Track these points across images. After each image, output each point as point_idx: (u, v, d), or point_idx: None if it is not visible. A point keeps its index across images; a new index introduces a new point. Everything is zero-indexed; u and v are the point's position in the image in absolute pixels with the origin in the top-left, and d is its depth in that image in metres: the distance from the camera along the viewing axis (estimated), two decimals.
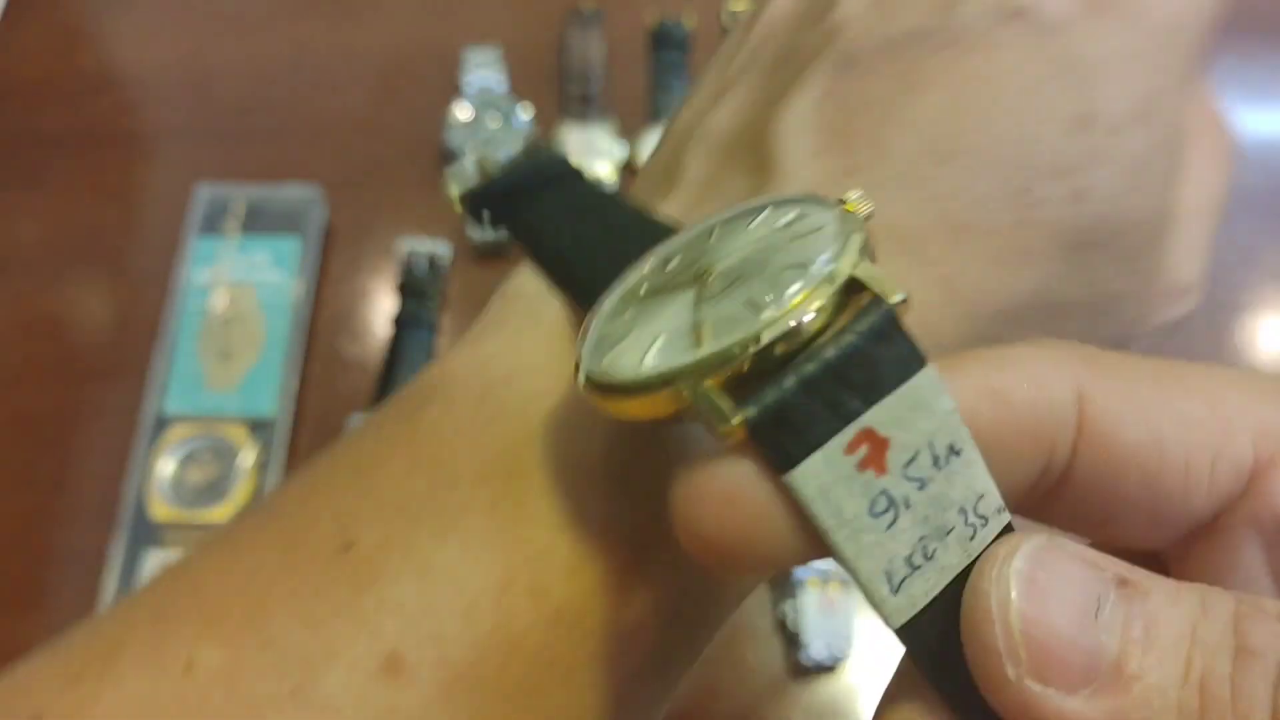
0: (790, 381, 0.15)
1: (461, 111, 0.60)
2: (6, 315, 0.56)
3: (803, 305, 0.15)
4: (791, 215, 0.18)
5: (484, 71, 0.61)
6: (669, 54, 0.63)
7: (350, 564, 0.19)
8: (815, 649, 0.47)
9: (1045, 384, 0.16)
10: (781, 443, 0.15)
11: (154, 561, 0.47)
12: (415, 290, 0.55)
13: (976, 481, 0.15)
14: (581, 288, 0.20)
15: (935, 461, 0.15)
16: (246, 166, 0.59)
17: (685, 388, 0.15)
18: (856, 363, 0.15)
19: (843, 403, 0.15)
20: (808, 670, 0.48)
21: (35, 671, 0.19)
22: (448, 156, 0.59)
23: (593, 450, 0.20)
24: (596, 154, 0.59)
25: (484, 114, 0.60)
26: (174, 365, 0.52)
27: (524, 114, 0.60)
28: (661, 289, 0.18)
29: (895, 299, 0.15)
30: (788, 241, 0.17)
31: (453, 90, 0.61)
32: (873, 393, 0.15)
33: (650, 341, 0.16)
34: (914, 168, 0.22)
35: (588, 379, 0.17)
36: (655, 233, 0.20)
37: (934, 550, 0.15)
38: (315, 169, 0.59)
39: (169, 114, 0.63)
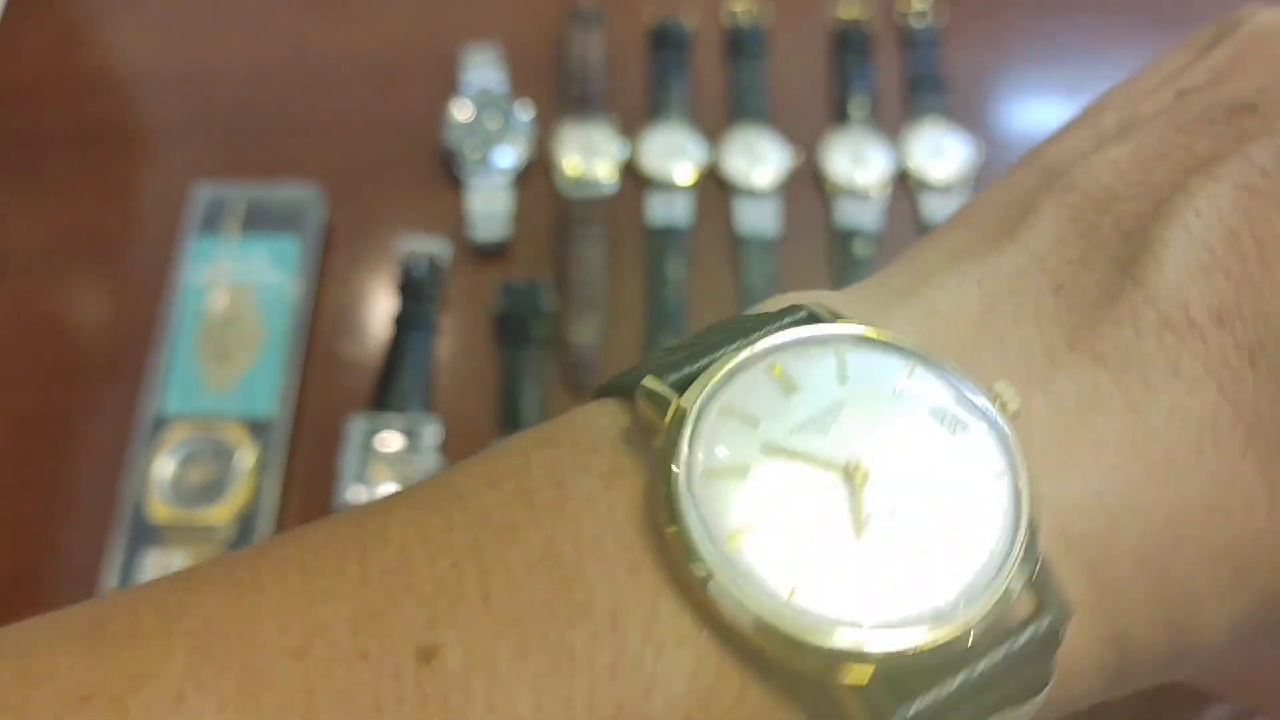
0: (945, 695, 0.14)
1: (461, 111, 0.59)
2: (5, 315, 0.56)
3: (975, 619, 0.14)
4: (948, 400, 0.16)
5: (483, 71, 0.61)
6: (669, 54, 0.62)
7: (422, 685, 0.15)
8: None
9: None
10: None
11: (152, 561, 0.47)
12: (415, 290, 0.55)
13: None
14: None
15: None
16: (245, 166, 0.59)
17: (837, 674, 0.14)
18: (1006, 677, 0.15)
19: (976, 710, 0.14)
20: None
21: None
22: (447, 156, 0.59)
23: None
24: (596, 154, 0.59)
25: (483, 113, 0.59)
26: (172, 365, 0.52)
27: (524, 113, 0.60)
28: (794, 452, 0.15)
29: (1066, 623, 0.15)
30: (951, 473, 0.15)
31: (452, 90, 0.61)
32: (1004, 702, 0.15)
33: (795, 568, 0.14)
34: None
35: (705, 577, 0.14)
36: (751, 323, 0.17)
37: None
38: (315, 169, 0.59)
39: (168, 114, 0.63)
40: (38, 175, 0.60)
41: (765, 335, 0.16)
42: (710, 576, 0.14)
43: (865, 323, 0.17)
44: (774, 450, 0.15)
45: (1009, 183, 0.20)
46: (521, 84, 0.61)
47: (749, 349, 0.16)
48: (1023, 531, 0.15)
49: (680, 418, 0.15)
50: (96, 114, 0.62)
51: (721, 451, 0.15)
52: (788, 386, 0.15)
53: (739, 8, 0.64)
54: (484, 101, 0.60)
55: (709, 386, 0.16)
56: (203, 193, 0.57)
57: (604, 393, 0.18)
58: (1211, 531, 0.16)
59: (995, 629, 0.15)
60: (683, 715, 0.15)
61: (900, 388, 0.16)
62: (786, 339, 0.16)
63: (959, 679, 0.14)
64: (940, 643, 0.14)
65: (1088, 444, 0.16)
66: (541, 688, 0.14)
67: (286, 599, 0.16)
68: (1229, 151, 0.18)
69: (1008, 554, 0.15)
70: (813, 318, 0.17)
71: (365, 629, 0.15)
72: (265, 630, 0.15)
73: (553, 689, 0.14)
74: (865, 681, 0.14)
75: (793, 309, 0.17)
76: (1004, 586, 0.14)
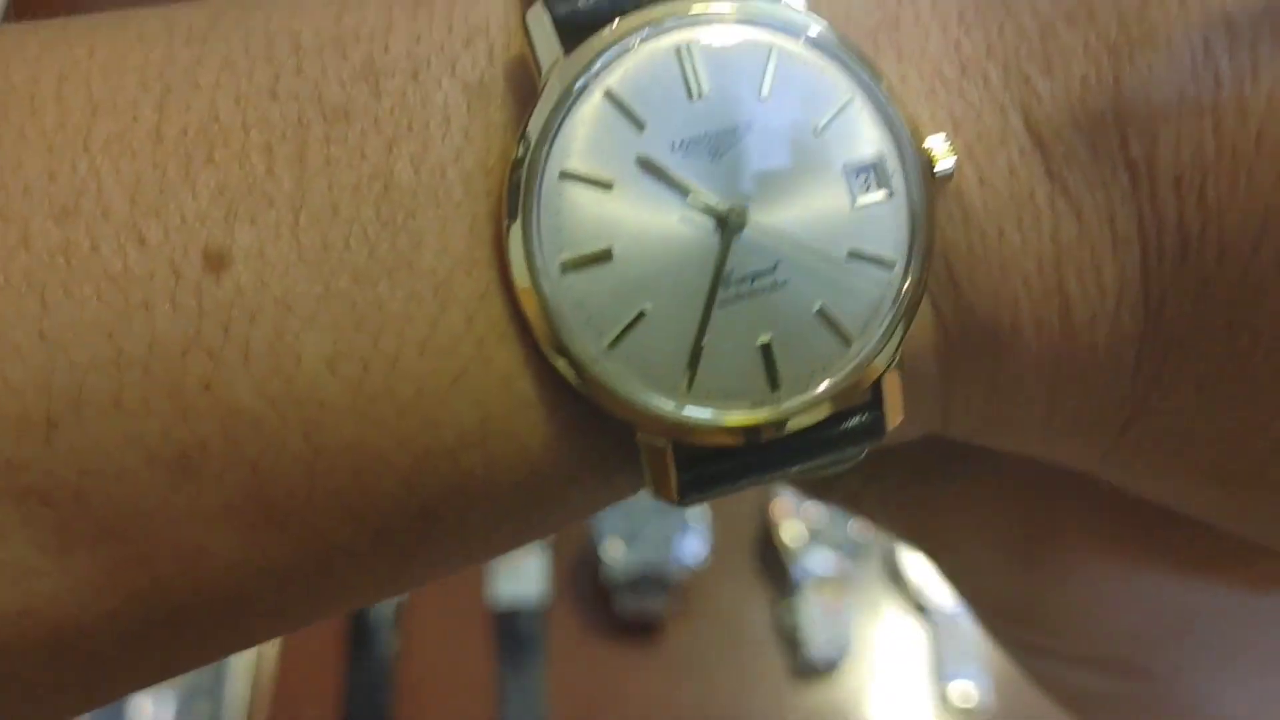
0: (743, 481, 0.14)
1: None
2: None
3: (814, 406, 0.13)
4: (872, 153, 0.13)
5: None
6: None
7: (201, 295, 0.13)
8: (814, 650, 0.48)
9: None
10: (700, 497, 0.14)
11: None
12: None
13: None
14: None
15: None
16: None
17: (646, 432, 0.13)
18: (807, 472, 0.14)
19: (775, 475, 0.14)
20: (807, 671, 0.49)
21: None
22: None
23: None
24: None
25: None
26: None
27: None
28: (672, 177, 0.13)
29: (889, 432, 0.14)
30: (842, 248, 0.13)
31: None
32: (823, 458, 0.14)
33: (633, 308, 0.13)
34: None
35: (532, 303, 0.13)
36: None
37: None
38: None
39: None
40: None
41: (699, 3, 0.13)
42: (536, 300, 0.13)
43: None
44: (650, 168, 0.13)
45: None
46: None
47: (670, 16, 0.13)
48: (895, 340, 0.13)
49: (553, 91, 0.13)
50: None
51: (588, 156, 0.13)
52: (695, 87, 0.13)
53: None
54: None
55: (601, 56, 0.13)
56: None
57: None
58: (1080, 383, 0.15)
59: (811, 416, 0.14)
60: (482, 417, 0.13)
61: (825, 124, 0.13)
62: (717, 32, 0.13)
63: (767, 473, 0.13)
64: (748, 425, 0.13)
65: (994, 239, 0.14)
66: (340, 342, 0.13)
67: (60, 134, 0.13)
68: None
69: (860, 359, 0.13)
70: None
71: (146, 205, 0.12)
72: (30, 169, 0.12)
73: (352, 347, 0.13)
74: (664, 444, 0.13)
75: None
76: (838, 388, 0.13)
